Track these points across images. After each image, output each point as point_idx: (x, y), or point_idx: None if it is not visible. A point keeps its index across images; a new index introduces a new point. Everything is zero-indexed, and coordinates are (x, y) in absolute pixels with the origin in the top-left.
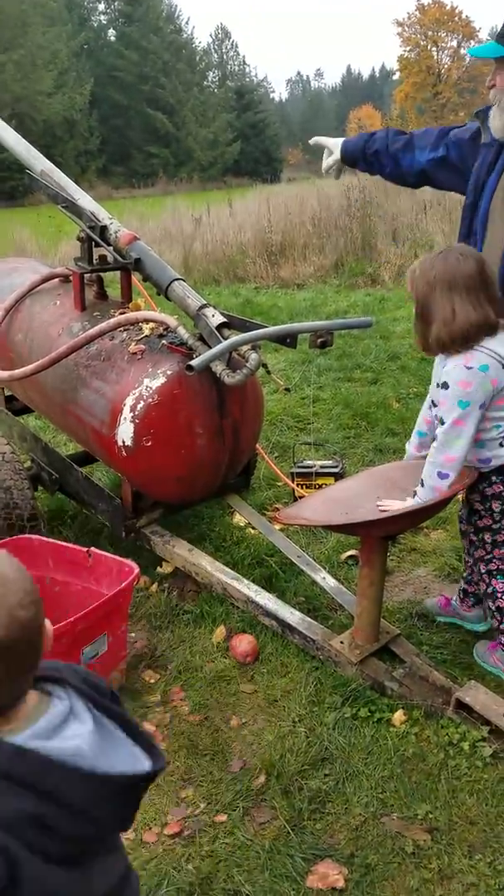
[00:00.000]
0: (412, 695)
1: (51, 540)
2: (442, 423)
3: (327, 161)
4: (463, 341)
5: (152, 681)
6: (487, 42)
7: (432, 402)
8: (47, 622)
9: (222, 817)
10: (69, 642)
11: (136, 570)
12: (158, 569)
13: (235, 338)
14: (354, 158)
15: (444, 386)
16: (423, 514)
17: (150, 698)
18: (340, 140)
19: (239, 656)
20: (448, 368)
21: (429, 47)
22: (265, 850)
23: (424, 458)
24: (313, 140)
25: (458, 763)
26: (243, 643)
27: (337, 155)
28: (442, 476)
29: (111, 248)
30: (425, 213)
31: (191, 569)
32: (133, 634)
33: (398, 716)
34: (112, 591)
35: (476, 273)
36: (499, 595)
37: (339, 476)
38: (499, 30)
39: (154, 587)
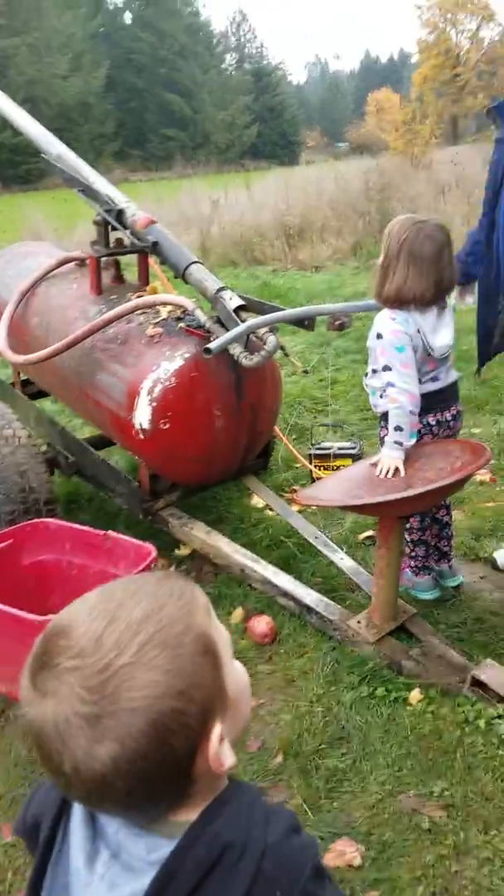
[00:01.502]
0: (428, 673)
1: (67, 523)
2: (388, 369)
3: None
4: (402, 303)
5: None
6: None
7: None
8: None
9: None
10: None
11: (154, 552)
12: (176, 551)
13: (253, 320)
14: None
15: (379, 336)
16: (440, 493)
17: None
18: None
19: (257, 637)
20: (378, 318)
21: (448, 30)
22: None
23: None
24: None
25: (473, 740)
26: (261, 624)
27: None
28: (412, 413)
29: (128, 231)
30: (444, 195)
31: (209, 550)
32: None
33: (415, 694)
34: (129, 574)
35: (435, 254)
36: (413, 528)
37: (356, 458)
38: None
39: (172, 569)
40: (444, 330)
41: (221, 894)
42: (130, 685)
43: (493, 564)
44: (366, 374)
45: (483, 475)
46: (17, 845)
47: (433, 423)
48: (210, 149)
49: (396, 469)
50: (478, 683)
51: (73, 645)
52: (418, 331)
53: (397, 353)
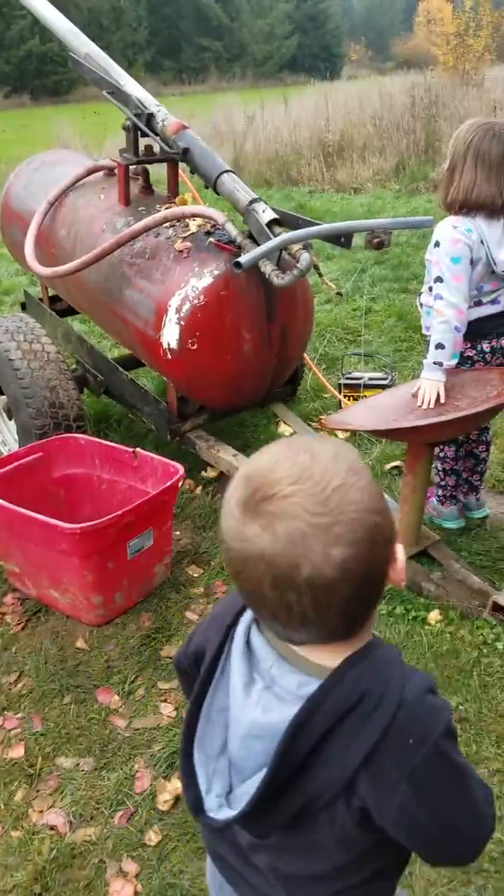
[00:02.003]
0: (449, 596)
1: (96, 439)
2: (440, 280)
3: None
4: (468, 209)
5: (196, 575)
6: None
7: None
8: None
9: None
10: (116, 534)
11: (181, 470)
12: (203, 473)
13: (286, 235)
14: None
15: (437, 245)
16: (471, 421)
17: (194, 590)
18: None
19: None
20: (439, 225)
21: None
22: None
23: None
24: None
25: (490, 661)
26: None
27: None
28: (458, 330)
29: (158, 137)
30: (495, 113)
31: (235, 473)
32: (178, 532)
33: (434, 615)
34: (157, 490)
35: (501, 155)
36: (447, 458)
37: (387, 388)
38: None
39: (199, 490)
40: None
41: (358, 734)
42: (348, 500)
43: None
44: (420, 293)
45: None
46: (47, 734)
47: (487, 349)
48: (247, 61)
49: (438, 396)
50: (499, 608)
51: (286, 476)
52: (482, 241)
53: (452, 265)
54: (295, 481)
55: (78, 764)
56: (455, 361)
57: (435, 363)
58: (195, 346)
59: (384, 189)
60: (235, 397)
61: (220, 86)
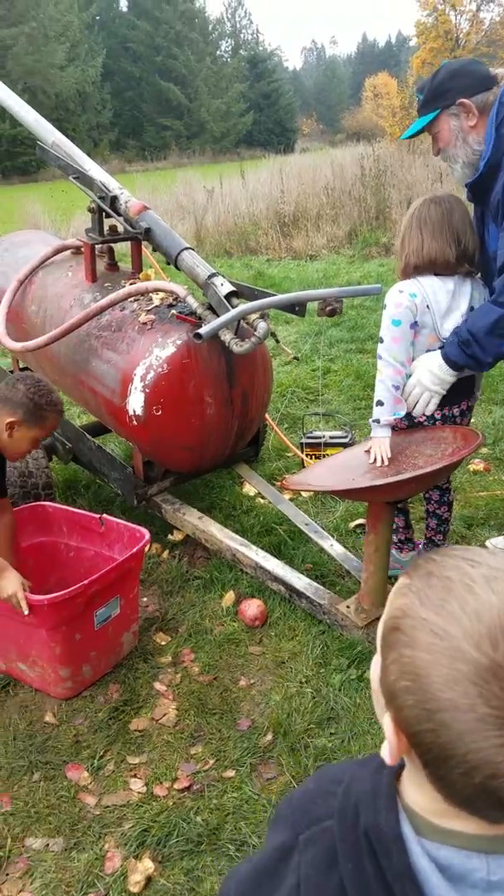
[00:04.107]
0: None
1: (64, 507)
2: (381, 341)
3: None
4: (420, 270)
5: (163, 643)
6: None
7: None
8: None
9: (230, 773)
10: (83, 604)
11: (147, 535)
12: (169, 536)
13: (244, 306)
14: None
15: (384, 307)
16: (428, 479)
17: (162, 659)
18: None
19: (248, 620)
20: (389, 290)
21: (447, 11)
22: (271, 804)
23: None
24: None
25: None
26: (252, 607)
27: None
28: (396, 387)
29: (122, 218)
30: (441, 182)
31: (201, 536)
32: (145, 599)
33: None
34: (124, 556)
35: (445, 213)
36: (398, 528)
37: (348, 447)
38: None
39: (165, 554)
40: (457, 313)
41: None
42: None
43: None
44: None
45: (477, 465)
46: (16, 814)
47: (438, 418)
48: (206, 137)
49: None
50: None
51: None
52: (428, 307)
53: (392, 326)
54: None
55: (48, 844)
56: (395, 418)
57: (374, 420)
58: (160, 413)
59: (338, 255)
60: (200, 460)
61: (182, 161)
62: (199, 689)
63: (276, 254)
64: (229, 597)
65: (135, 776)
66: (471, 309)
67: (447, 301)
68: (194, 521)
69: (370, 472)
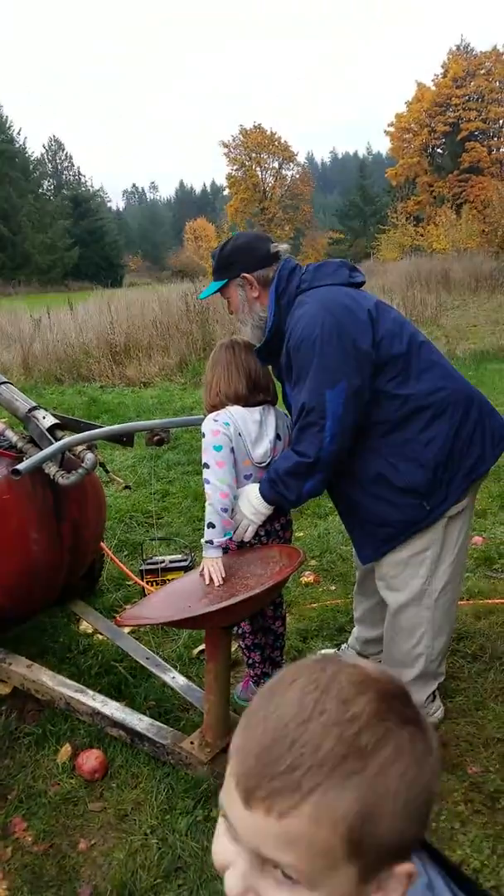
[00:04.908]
0: None
1: None
2: (207, 466)
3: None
4: (222, 404)
5: None
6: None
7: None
8: None
9: None
10: None
11: None
12: None
13: (67, 439)
14: None
15: (203, 436)
16: (261, 598)
17: None
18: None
19: (86, 774)
20: (205, 420)
21: (253, 167)
22: None
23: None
24: None
25: None
26: (90, 760)
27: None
28: (225, 510)
29: None
30: None
31: (30, 686)
32: None
33: None
34: None
35: (232, 353)
36: (245, 634)
37: (188, 570)
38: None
39: None
40: (266, 440)
41: None
42: None
43: None
44: None
45: (308, 577)
46: None
47: (262, 533)
48: (31, 269)
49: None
50: None
51: None
52: (240, 434)
53: (214, 452)
54: None
55: None
56: (226, 539)
57: (206, 542)
58: None
59: (171, 382)
60: (27, 603)
61: (7, 291)
62: (33, 862)
63: (109, 381)
64: (65, 751)
65: None
66: (277, 437)
67: (256, 429)
68: (22, 670)
69: (206, 596)
